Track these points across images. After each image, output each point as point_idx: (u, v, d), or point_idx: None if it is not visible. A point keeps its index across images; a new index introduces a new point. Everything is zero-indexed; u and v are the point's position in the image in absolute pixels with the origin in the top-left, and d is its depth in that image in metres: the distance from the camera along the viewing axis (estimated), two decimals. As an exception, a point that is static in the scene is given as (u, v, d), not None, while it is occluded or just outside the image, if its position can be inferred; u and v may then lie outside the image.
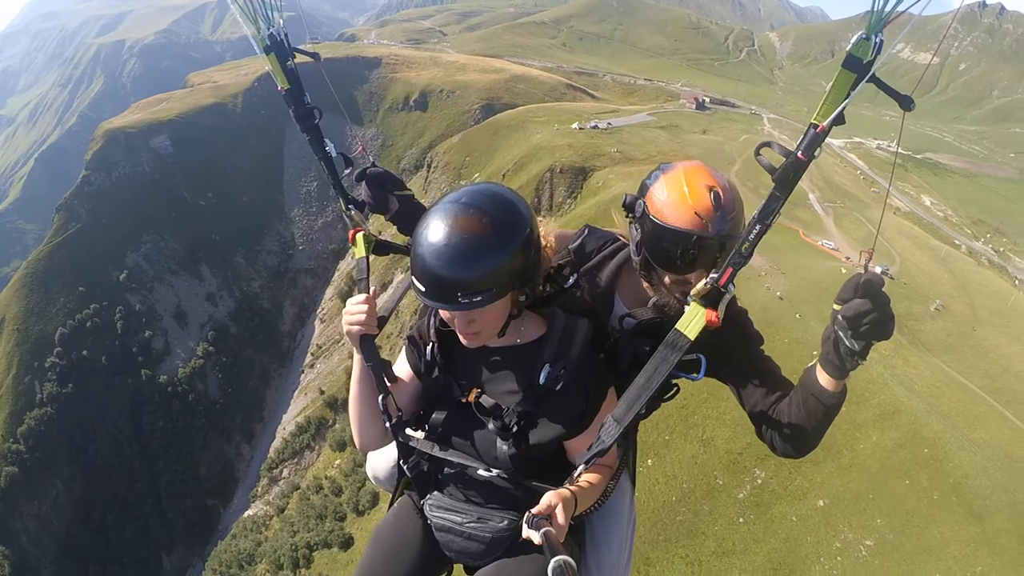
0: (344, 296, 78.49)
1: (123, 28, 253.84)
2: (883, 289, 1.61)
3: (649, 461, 25.32)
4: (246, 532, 59.10)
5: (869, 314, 1.60)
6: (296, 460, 64.67)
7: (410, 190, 2.52)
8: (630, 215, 2.18)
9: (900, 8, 1.39)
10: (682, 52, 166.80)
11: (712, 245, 1.98)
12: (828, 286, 33.61)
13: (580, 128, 70.06)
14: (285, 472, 64.85)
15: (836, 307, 1.68)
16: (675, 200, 2.01)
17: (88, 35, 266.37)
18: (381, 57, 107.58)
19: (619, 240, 2.35)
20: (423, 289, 1.73)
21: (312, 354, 77.53)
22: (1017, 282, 52.70)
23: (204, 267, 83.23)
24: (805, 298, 30.91)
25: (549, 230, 2.12)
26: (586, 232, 2.47)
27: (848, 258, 39.67)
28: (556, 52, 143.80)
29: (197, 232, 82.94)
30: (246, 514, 63.40)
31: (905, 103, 1.51)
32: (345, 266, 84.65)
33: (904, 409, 24.02)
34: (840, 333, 1.69)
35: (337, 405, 64.23)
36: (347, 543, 45.91)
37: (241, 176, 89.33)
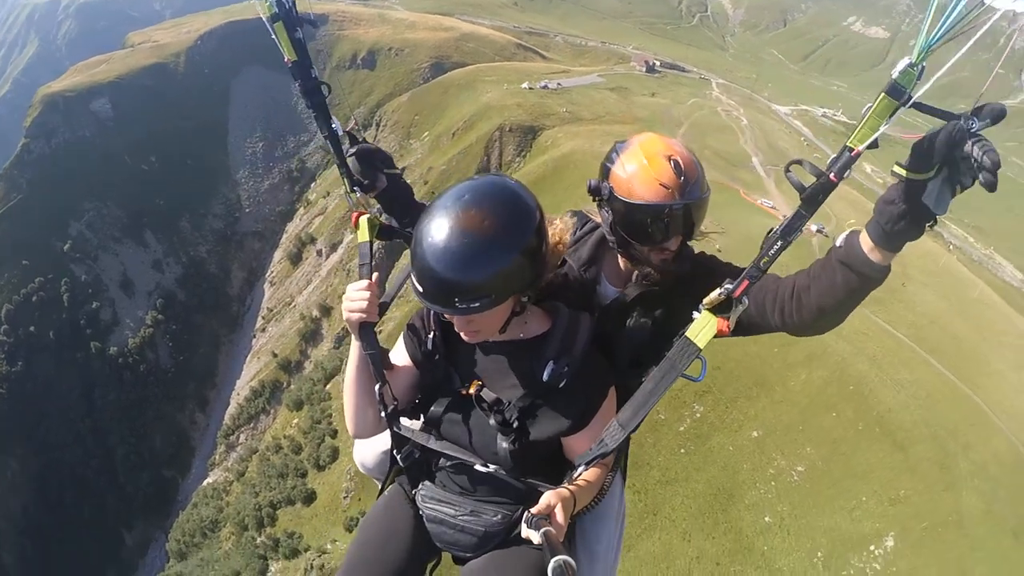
0: (293, 259, 78.21)
1: None
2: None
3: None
4: (207, 500, 59.25)
5: (986, 157, 1.36)
6: (252, 425, 64.70)
7: (398, 168, 2.51)
8: (597, 199, 2.19)
9: (947, 37, 1.34)
10: (635, 15, 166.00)
11: (682, 212, 2.03)
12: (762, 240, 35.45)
13: (530, 88, 70.33)
14: (242, 438, 64.90)
15: (903, 172, 1.51)
16: (638, 176, 2.03)
17: None
18: (328, 14, 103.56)
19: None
20: (420, 290, 1.72)
21: (263, 318, 76.97)
22: (951, 247, 55.19)
23: (149, 233, 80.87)
24: (740, 250, 31.66)
25: (563, 227, 2.10)
26: (569, 214, 2.46)
27: (785, 216, 40.67)
28: (507, 11, 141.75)
29: (141, 198, 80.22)
30: (205, 482, 63.48)
31: (948, 119, 1.43)
32: (293, 228, 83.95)
33: (832, 351, 25.60)
34: (926, 202, 1.49)
35: (291, 367, 64.26)
36: (310, 498, 46.47)
37: (184, 138, 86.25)
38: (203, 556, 52.72)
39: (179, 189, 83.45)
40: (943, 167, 1.45)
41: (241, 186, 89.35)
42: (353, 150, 2.35)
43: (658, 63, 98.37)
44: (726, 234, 34.36)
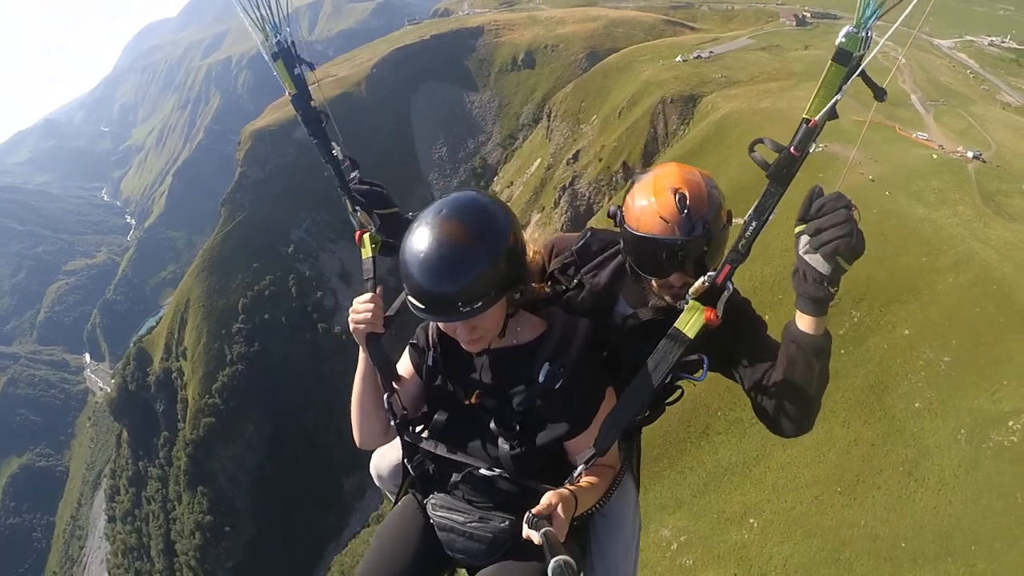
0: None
1: (225, 47, 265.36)
2: (845, 201, 1.54)
3: (767, 316, 29.55)
4: (423, 448, 68.12)
5: (829, 228, 1.54)
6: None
7: (395, 207, 2.57)
8: (615, 224, 2.22)
9: (889, 4, 1.39)
10: None
11: (683, 248, 1.96)
12: (916, 168, 36.17)
13: (684, 60, 72.15)
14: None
15: (798, 229, 1.64)
16: (643, 207, 2.03)
17: (193, 59, 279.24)
18: (483, 25, 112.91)
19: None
20: (422, 307, 1.75)
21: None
22: None
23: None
24: (894, 179, 33.97)
25: (535, 247, 2.27)
26: (589, 234, 2.52)
27: (941, 146, 41.16)
28: None
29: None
30: (422, 434, 72.50)
31: (879, 95, 1.51)
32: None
33: (978, 257, 27.33)
34: (806, 258, 1.63)
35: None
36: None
37: (378, 151, 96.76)
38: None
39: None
40: (808, 223, 1.62)
41: (434, 186, 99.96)
42: (355, 175, 2.58)
43: (808, 14, 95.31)
44: (879, 164, 36.52)
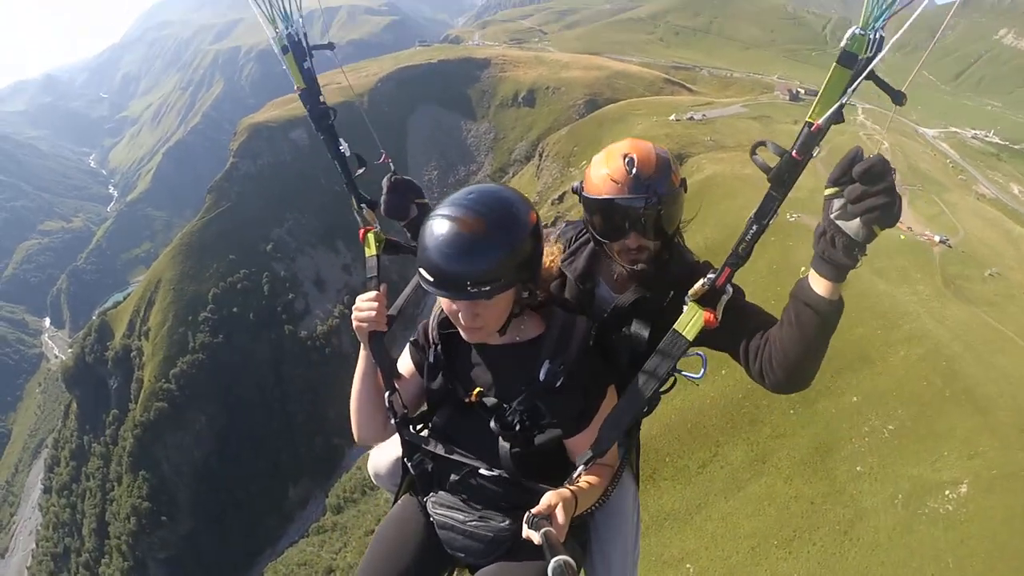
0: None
1: (236, 35, 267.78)
2: (888, 166, 1.44)
3: (723, 371, 28.79)
4: (370, 464, 67.69)
5: (874, 195, 1.45)
6: (422, 399, 73.67)
7: (428, 202, 2.58)
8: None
9: (897, 6, 1.34)
10: (778, 43, 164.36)
11: (634, 207, 2.04)
12: (882, 246, 35.98)
13: (677, 119, 73.63)
14: (412, 413, 73.82)
15: (829, 191, 1.55)
16: (596, 171, 2.11)
17: (203, 43, 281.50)
18: (490, 58, 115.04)
19: None
20: (431, 279, 1.77)
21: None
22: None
23: (340, 242, 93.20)
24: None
25: (554, 251, 2.35)
26: (564, 225, 2.63)
27: (910, 227, 41.83)
28: (654, 48, 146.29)
29: (333, 213, 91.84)
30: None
31: (897, 98, 1.46)
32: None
33: (931, 335, 28.27)
34: (839, 223, 1.56)
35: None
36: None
37: (370, 165, 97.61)
38: (360, 508, 58.40)
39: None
40: (843, 187, 1.52)
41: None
42: (361, 172, 2.63)
43: (802, 91, 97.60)
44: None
